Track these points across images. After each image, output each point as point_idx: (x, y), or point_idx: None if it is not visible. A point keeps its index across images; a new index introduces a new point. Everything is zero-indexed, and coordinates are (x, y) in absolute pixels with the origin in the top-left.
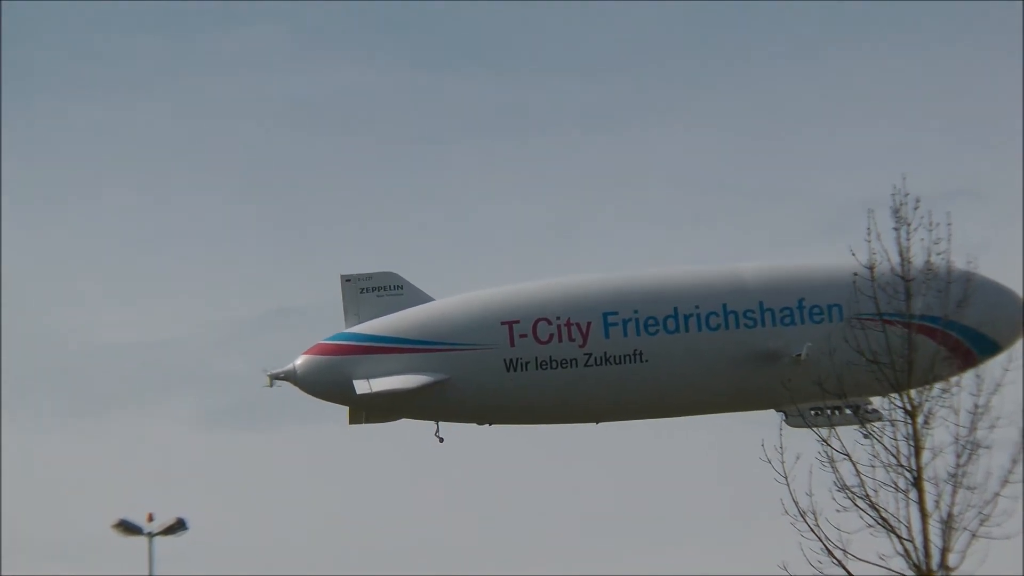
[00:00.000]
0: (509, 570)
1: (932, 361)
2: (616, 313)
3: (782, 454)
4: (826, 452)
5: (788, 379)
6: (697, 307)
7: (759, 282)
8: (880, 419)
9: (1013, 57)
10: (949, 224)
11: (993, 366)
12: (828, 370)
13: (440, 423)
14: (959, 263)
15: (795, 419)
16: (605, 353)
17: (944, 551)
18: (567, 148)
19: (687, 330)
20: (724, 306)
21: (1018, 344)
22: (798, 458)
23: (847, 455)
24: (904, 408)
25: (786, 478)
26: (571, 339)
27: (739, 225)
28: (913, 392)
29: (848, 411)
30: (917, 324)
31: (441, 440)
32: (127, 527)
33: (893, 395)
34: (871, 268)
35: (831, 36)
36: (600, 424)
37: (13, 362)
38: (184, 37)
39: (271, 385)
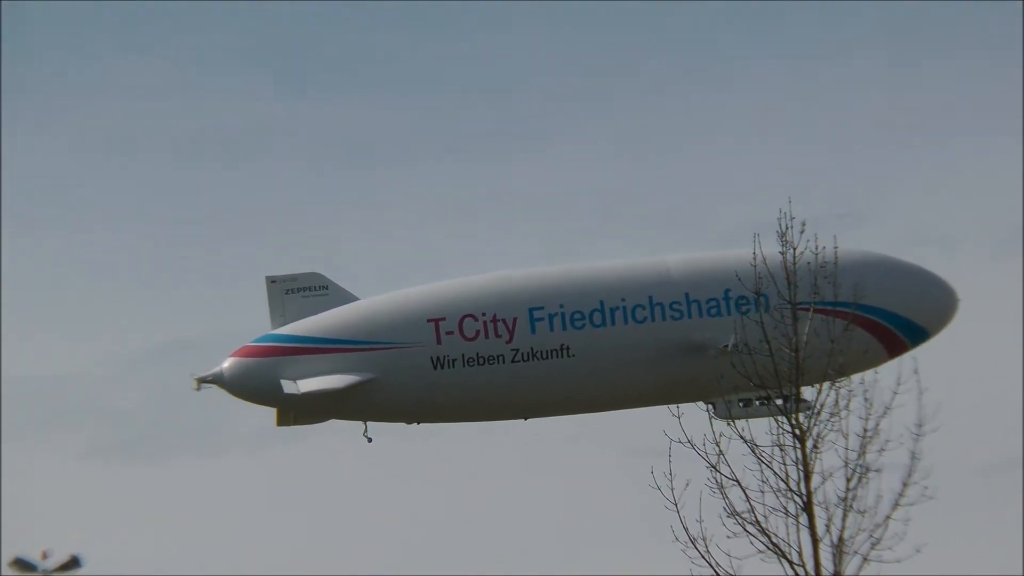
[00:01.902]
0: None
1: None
2: (542, 308)
3: (671, 480)
4: (715, 478)
5: (720, 375)
6: (623, 300)
7: (685, 274)
8: (810, 408)
9: (905, 77)
10: (836, 247)
11: (882, 390)
12: (756, 361)
13: (368, 423)
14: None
15: (723, 411)
16: (532, 348)
17: (836, 575)
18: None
19: (613, 324)
20: (650, 298)
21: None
22: (688, 484)
23: (737, 481)
24: (793, 433)
25: (676, 504)
26: (497, 335)
27: (625, 250)
28: (802, 416)
29: (779, 402)
30: (844, 312)
31: (370, 440)
32: (22, 564)
33: (781, 419)
34: (757, 293)
35: (722, 56)
36: (529, 420)
37: None
38: (78, 66)
39: (198, 388)
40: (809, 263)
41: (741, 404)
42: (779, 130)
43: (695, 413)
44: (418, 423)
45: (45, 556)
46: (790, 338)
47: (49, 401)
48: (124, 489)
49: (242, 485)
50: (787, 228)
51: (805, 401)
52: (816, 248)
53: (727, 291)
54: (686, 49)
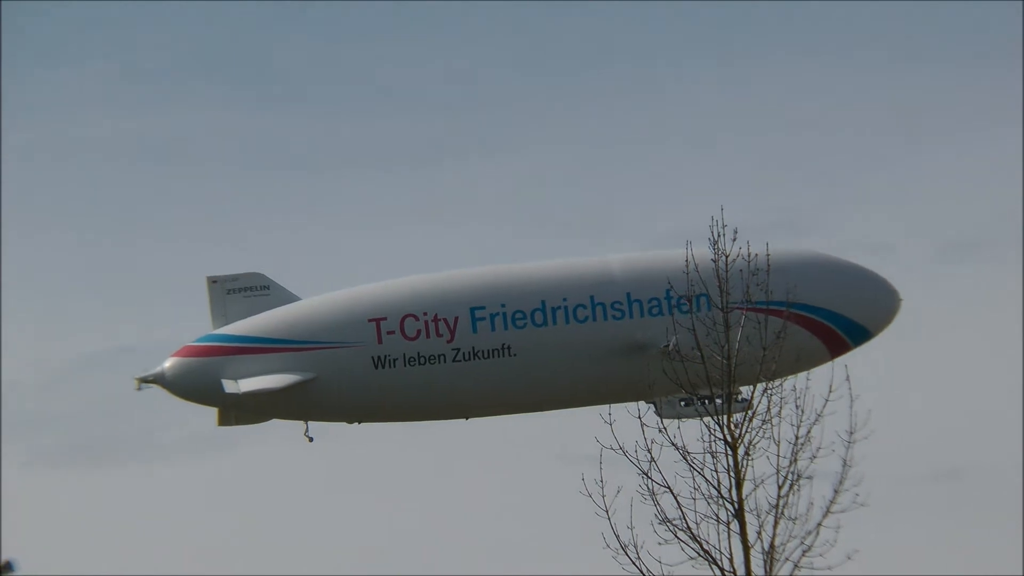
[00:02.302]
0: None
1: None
2: (483, 308)
3: (602, 487)
4: (647, 485)
5: (652, 381)
6: (565, 300)
7: (626, 274)
8: (751, 407)
9: (844, 86)
10: (768, 255)
11: (814, 397)
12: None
13: (310, 423)
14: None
15: (666, 410)
16: (473, 348)
17: None
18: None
19: (555, 323)
20: (592, 298)
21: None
22: (619, 491)
23: (668, 488)
24: (725, 440)
25: (607, 511)
26: (439, 335)
27: (563, 252)
28: (734, 424)
29: (719, 401)
30: (786, 311)
31: (311, 440)
32: None
33: (713, 427)
34: (688, 299)
35: (655, 65)
36: (470, 420)
37: None
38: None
39: (139, 388)
40: (741, 270)
41: (683, 403)
42: (714, 139)
43: (627, 419)
44: (359, 422)
45: None
46: (722, 345)
47: None
48: (64, 495)
49: (183, 488)
50: (719, 235)
51: (746, 400)
52: (748, 254)
53: (668, 291)
54: (624, 57)
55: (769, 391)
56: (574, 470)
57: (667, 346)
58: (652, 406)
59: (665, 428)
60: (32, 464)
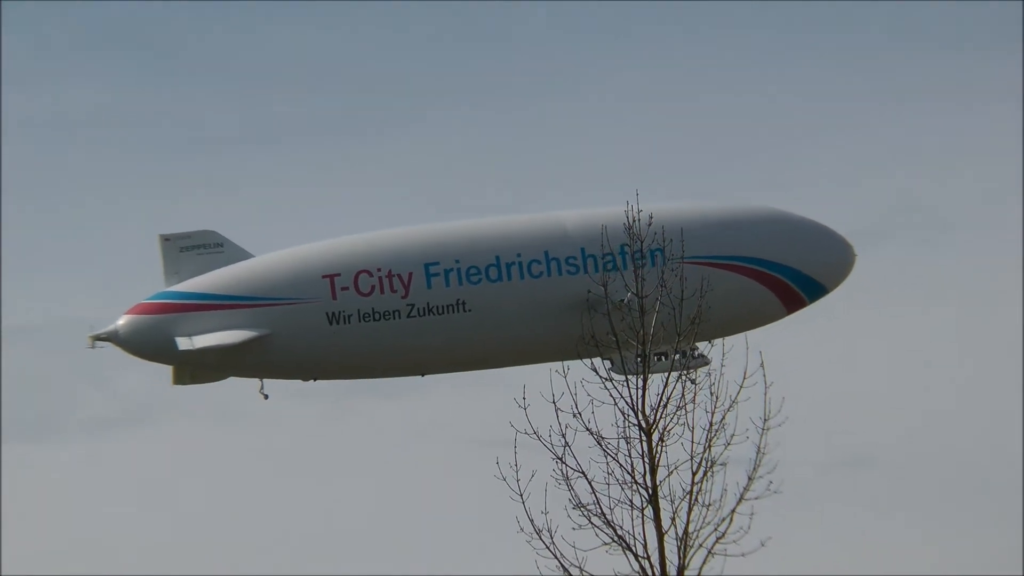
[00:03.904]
0: None
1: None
2: (438, 263)
3: (517, 471)
4: (561, 470)
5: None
6: (519, 255)
7: (580, 229)
8: (707, 363)
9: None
10: (682, 240)
11: (727, 383)
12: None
13: (265, 380)
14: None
15: (620, 367)
16: (428, 304)
17: (680, 569)
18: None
19: (510, 279)
20: (546, 253)
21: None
22: (533, 475)
23: (582, 473)
24: (639, 426)
25: (521, 495)
26: (393, 290)
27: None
28: (648, 409)
29: (677, 356)
30: (741, 266)
31: (266, 397)
32: None
33: (628, 412)
34: (604, 285)
35: (579, 60)
36: (426, 376)
37: None
38: None
39: (93, 347)
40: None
41: (639, 360)
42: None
43: (542, 403)
44: (315, 379)
45: None
46: (637, 330)
47: None
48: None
49: (143, 451)
50: (635, 220)
51: (703, 356)
52: (663, 240)
53: (623, 246)
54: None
55: (683, 379)
56: (489, 453)
57: (622, 301)
58: (608, 361)
59: (580, 413)
60: None
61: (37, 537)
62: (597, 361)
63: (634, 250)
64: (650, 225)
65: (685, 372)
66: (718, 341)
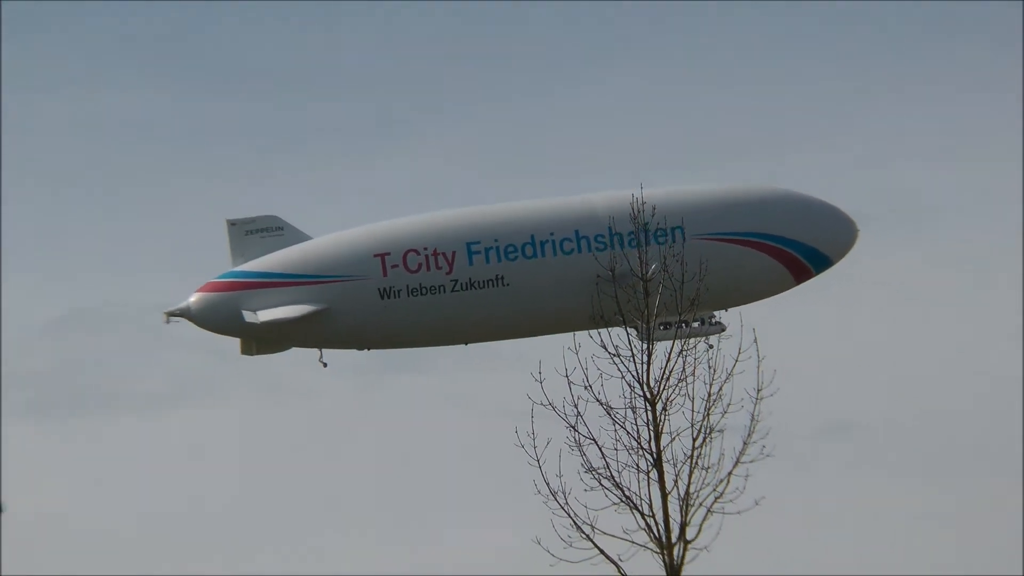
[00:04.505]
0: None
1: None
2: (479, 242)
3: (534, 439)
4: (574, 437)
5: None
6: (552, 234)
7: (608, 210)
8: (724, 330)
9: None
10: (683, 228)
11: (724, 356)
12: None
13: (324, 350)
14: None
15: (646, 333)
16: (470, 279)
17: (682, 526)
18: None
19: (544, 255)
20: (576, 232)
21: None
22: (548, 442)
23: (593, 439)
24: (644, 396)
25: (538, 461)
26: (438, 267)
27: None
28: (652, 382)
29: (696, 324)
30: (756, 241)
31: (325, 365)
32: None
33: (635, 385)
34: (612, 270)
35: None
36: (469, 345)
37: None
38: None
39: (167, 322)
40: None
41: (662, 327)
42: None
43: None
44: (368, 349)
45: None
46: (641, 310)
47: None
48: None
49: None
50: (640, 210)
51: (719, 323)
52: (666, 227)
53: (646, 224)
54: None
55: (684, 353)
56: (511, 423)
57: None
58: (634, 330)
59: (590, 386)
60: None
61: (119, 500)
62: (606, 336)
63: (639, 235)
64: (654, 214)
65: (702, 339)
66: (734, 309)
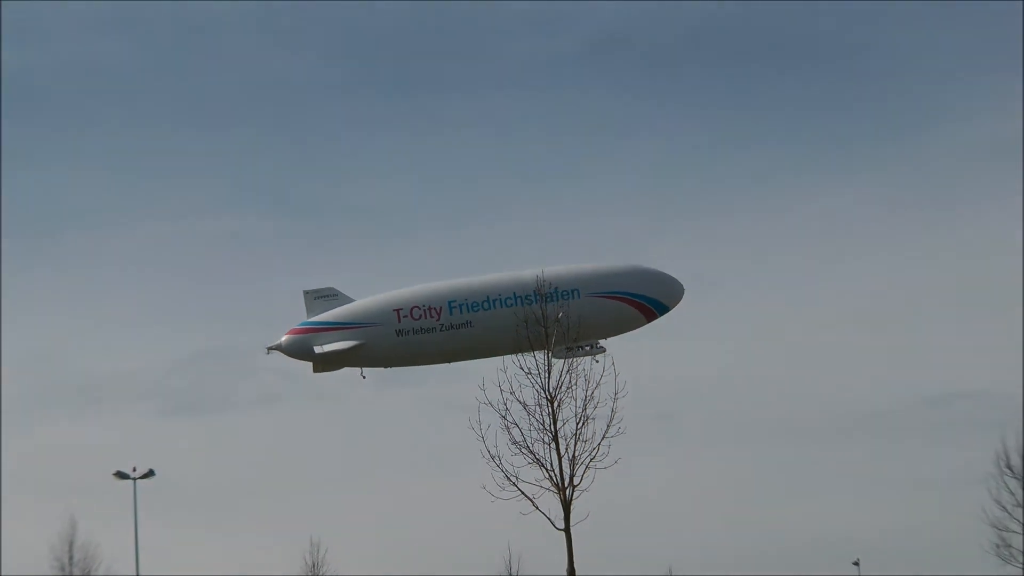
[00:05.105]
0: None
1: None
2: (455, 301)
3: (479, 424)
4: (505, 423)
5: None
6: (500, 295)
7: (532, 280)
8: (604, 351)
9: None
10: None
11: (593, 369)
12: (575, 326)
13: (363, 369)
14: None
15: (559, 353)
16: (451, 323)
17: (571, 476)
18: None
19: (494, 308)
20: (514, 293)
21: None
22: (489, 426)
23: (516, 424)
24: (547, 397)
25: (483, 438)
26: (431, 316)
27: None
28: (551, 388)
29: (587, 347)
30: (622, 296)
31: (363, 377)
32: (120, 475)
33: (540, 390)
34: (543, 311)
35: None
36: (451, 364)
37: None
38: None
39: (268, 353)
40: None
41: (566, 349)
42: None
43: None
44: (390, 367)
45: (134, 469)
46: (544, 343)
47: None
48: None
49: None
50: (546, 293)
51: (601, 347)
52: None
53: (556, 288)
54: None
55: (570, 369)
56: (465, 414)
57: (559, 318)
58: (549, 352)
59: (513, 392)
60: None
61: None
62: (522, 361)
63: (545, 296)
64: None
65: (591, 356)
66: (612, 339)
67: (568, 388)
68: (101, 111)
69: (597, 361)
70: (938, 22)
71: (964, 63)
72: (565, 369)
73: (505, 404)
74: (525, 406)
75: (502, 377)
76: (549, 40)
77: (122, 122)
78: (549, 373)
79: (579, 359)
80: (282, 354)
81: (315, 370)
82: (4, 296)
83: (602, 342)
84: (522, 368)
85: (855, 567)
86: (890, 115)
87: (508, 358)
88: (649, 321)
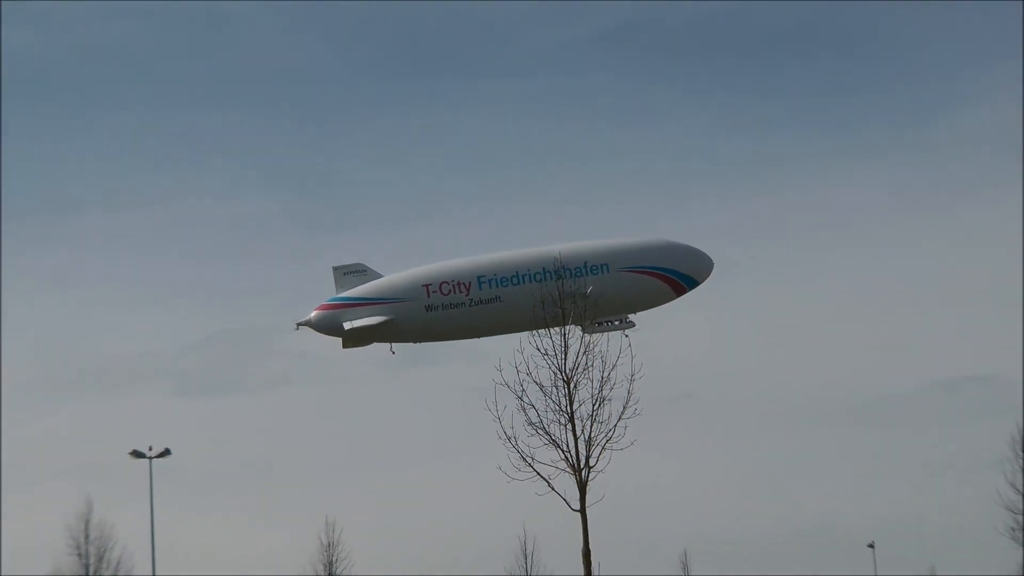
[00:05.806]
0: None
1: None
2: (484, 276)
3: (496, 404)
4: (521, 403)
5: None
6: (529, 269)
7: (565, 256)
8: (633, 325)
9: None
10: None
11: (608, 352)
12: (605, 299)
13: (393, 344)
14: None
15: (589, 328)
16: (480, 299)
17: (587, 457)
18: None
19: (523, 283)
20: (543, 268)
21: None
22: (505, 407)
23: (533, 405)
24: (563, 378)
25: (499, 419)
26: (460, 292)
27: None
28: (568, 369)
29: (616, 322)
30: (651, 271)
31: (393, 352)
32: (136, 454)
33: (557, 371)
34: (560, 288)
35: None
36: (480, 339)
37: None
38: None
39: (297, 328)
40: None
41: (598, 324)
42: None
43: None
44: (419, 342)
45: (151, 448)
46: (562, 345)
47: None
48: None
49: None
50: (562, 271)
51: (631, 322)
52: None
53: (585, 262)
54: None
55: (588, 351)
56: (482, 394)
57: (585, 293)
58: (580, 327)
59: (530, 372)
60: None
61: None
62: (539, 341)
63: (561, 275)
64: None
65: (622, 331)
66: (642, 313)
67: (585, 369)
68: (121, 92)
69: (627, 336)
70: (942, 12)
71: (967, 53)
72: (582, 350)
73: (521, 385)
74: (541, 387)
75: (519, 358)
76: (576, 26)
77: (144, 102)
78: (566, 354)
79: (606, 334)
80: (311, 330)
81: (344, 346)
82: (24, 277)
83: (631, 316)
84: (539, 349)
85: (870, 549)
86: None
87: (524, 337)
88: (679, 296)
